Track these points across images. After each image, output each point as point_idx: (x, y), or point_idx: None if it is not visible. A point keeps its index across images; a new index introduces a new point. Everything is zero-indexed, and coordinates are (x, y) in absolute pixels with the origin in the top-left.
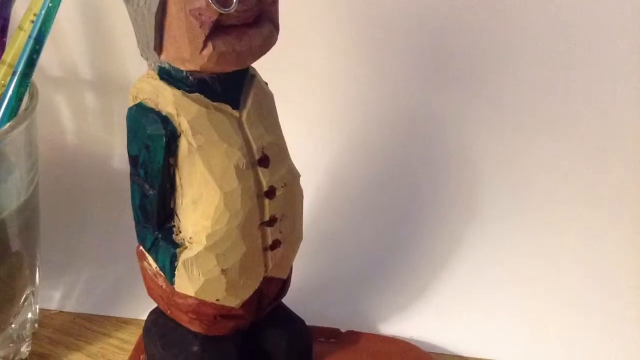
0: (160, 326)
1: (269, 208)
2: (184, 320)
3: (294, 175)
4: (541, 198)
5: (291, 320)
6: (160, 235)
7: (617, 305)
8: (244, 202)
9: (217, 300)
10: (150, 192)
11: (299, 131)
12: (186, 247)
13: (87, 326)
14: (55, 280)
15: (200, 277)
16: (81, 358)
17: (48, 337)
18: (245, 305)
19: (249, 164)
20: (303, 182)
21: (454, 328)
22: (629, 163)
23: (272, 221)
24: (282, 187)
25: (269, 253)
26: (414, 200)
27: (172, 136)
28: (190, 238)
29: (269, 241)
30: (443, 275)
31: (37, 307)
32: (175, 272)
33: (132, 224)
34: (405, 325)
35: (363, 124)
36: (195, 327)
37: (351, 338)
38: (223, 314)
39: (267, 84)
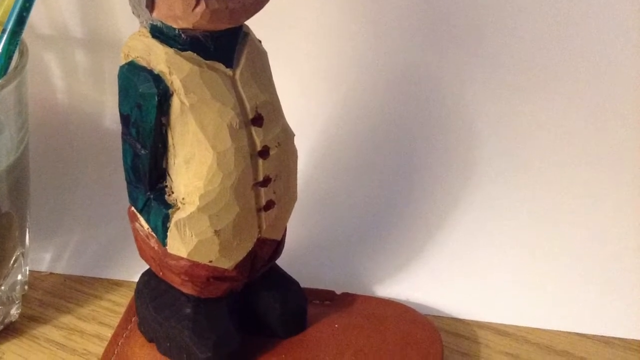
0: (152, 288)
1: (263, 168)
2: (176, 282)
3: (288, 135)
4: (539, 158)
5: (285, 282)
6: (152, 196)
7: (616, 266)
8: (238, 162)
9: (210, 261)
10: (142, 151)
11: (293, 90)
12: (179, 208)
13: (78, 288)
14: (46, 241)
15: (193, 238)
16: (72, 320)
17: (38, 299)
18: (238, 266)
19: (242, 123)
20: (297, 142)
21: (450, 290)
22: (629, 122)
23: (265, 181)
24: (276, 146)
25: (263, 214)
26: (410, 160)
27: (164, 95)
28: (183, 199)
29: (263, 202)
30: (439, 237)
31: (27, 269)
32: (168, 234)
33: (124, 184)
34: (400, 287)
35: (358, 82)
36: (187, 289)
37: (346, 300)
38: (216, 275)
39: (260, 42)
